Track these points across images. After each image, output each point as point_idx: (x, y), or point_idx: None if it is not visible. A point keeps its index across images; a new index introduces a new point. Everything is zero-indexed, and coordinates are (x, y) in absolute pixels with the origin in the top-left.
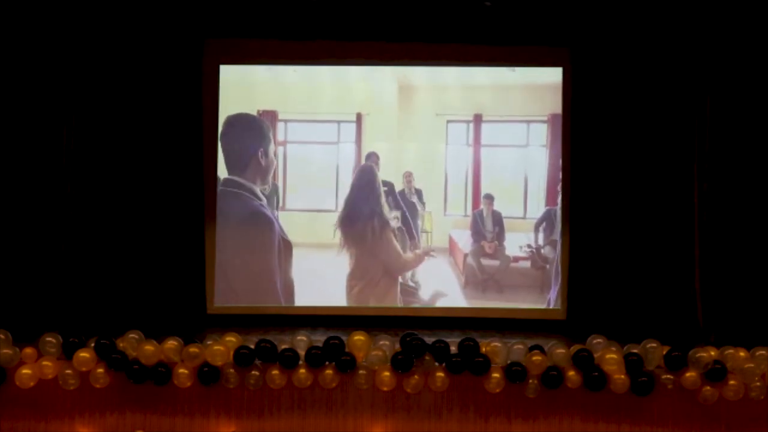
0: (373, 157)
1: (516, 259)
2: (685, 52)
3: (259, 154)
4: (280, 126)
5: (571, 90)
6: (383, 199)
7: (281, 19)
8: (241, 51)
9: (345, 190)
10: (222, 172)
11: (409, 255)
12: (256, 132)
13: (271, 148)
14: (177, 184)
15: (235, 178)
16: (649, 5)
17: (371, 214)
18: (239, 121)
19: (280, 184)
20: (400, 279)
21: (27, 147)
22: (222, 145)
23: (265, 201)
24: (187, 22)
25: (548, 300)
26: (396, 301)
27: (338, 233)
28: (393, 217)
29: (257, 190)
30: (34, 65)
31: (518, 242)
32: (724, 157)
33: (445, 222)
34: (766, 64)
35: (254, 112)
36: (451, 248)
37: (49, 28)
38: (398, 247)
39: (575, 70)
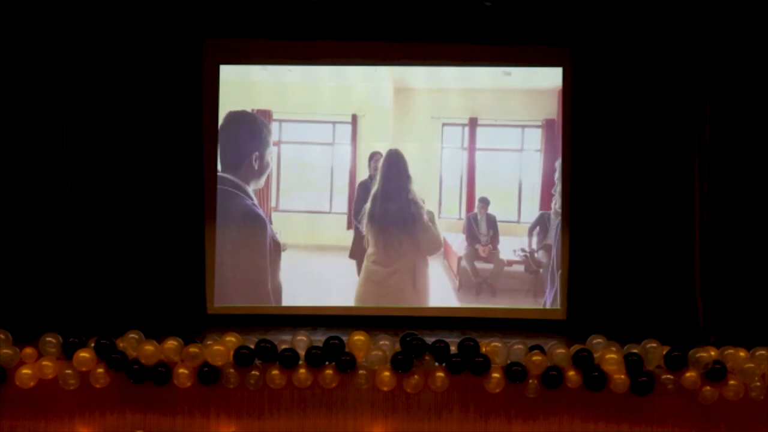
0: None
1: (510, 263)
2: (685, 51)
3: (253, 157)
4: (275, 126)
5: (571, 90)
6: (413, 185)
7: (281, 19)
8: (240, 51)
9: (341, 191)
10: None
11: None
12: (255, 133)
13: (269, 152)
14: (177, 184)
15: (228, 176)
16: (649, 5)
17: (407, 202)
18: (239, 118)
19: (273, 184)
20: None
21: (27, 147)
22: (219, 141)
23: (257, 201)
24: (186, 22)
25: (543, 304)
26: (427, 287)
27: (366, 228)
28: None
29: (250, 189)
30: (34, 65)
31: (512, 246)
32: (724, 157)
33: (439, 225)
34: (766, 63)
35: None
36: (446, 251)
37: (49, 28)
38: (437, 228)
39: (575, 70)
